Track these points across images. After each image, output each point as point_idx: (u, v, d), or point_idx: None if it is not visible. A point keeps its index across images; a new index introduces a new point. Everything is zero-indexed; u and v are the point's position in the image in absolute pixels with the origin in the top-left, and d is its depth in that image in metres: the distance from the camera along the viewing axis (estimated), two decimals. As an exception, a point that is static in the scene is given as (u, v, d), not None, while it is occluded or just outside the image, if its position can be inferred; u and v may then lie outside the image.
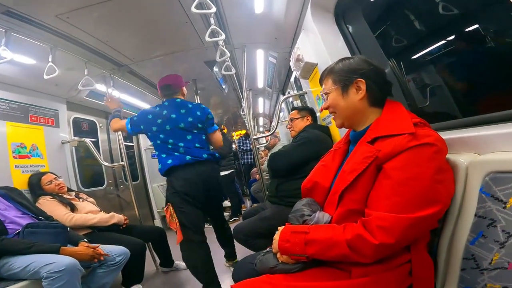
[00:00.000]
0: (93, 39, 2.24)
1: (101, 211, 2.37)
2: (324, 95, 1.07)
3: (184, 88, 2.21)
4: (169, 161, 1.96)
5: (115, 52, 2.52)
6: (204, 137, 2.11)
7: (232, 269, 2.38)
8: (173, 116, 2.00)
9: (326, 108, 1.06)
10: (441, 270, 0.91)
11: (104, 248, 1.83)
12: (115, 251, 1.88)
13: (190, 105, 2.09)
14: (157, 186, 4.52)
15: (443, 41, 1.25)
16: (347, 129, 1.12)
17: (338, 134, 1.94)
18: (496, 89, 1.10)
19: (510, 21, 0.93)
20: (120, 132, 2.84)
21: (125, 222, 2.36)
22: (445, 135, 0.90)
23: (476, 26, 1.08)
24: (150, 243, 2.62)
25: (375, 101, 0.99)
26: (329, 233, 0.86)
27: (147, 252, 2.42)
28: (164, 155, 1.99)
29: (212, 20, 1.82)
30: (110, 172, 3.82)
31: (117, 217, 2.30)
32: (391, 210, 0.79)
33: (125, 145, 3.04)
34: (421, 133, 0.83)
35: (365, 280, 0.82)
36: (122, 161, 2.86)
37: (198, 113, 2.08)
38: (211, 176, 2.04)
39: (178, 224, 1.91)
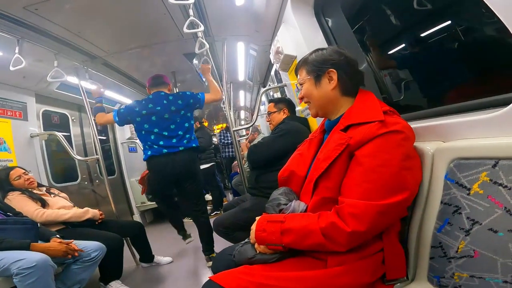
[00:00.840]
0: (64, 30, 2.12)
1: (74, 206, 2.28)
2: (299, 85, 1.08)
3: (170, 86, 2.49)
4: (149, 152, 2.28)
5: (88, 44, 2.40)
6: (187, 125, 2.33)
7: (208, 264, 2.40)
8: (158, 108, 2.26)
9: (301, 98, 1.08)
10: (412, 259, 0.92)
11: (79, 244, 1.78)
12: (90, 246, 1.83)
13: (171, 97, 2.33)
14: (135, 181, 4.35)
15: (418, 37, 1.28)
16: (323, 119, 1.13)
17: (316, 125, 1.95)
18: (463, 81, 1.15)
19: (480, 17, 0.94)
20: (94, 126, 2.76)
21: (101, 217, 2.30)
22: (413, 124, 0.93)
23: (448, 22, 1.10)
24: (128, 239, 2.55)
25: (347, 90, 1.01)
26: (304, 222, 0.87)
27: (126, 248, 2.38)
28: (147, 147, 2.30)
29: (191, 12, 1.78)
30: (84, 166, 3.68)
31: (91, 212, 2.23)
32: (362, 197, 0.81)
33: (100, 139, 2.94)
34: (390, 120, 0.86)
35: (340, 269, 0.84)
36: (96, 154, 2.76)
37: (180, 101, 2.32)
38: (183, 163, 2.30)
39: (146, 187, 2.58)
